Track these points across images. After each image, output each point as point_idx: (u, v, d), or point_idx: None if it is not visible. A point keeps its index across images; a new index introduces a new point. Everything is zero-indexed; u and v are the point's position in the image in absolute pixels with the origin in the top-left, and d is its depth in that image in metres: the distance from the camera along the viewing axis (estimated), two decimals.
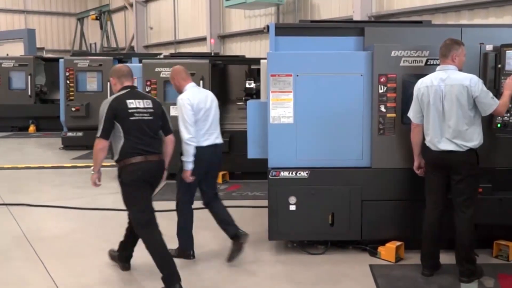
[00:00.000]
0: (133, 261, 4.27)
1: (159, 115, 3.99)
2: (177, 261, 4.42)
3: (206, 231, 5.23)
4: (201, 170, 4.35)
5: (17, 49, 17.22)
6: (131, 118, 3.80)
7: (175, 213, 4.57)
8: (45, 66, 13.57)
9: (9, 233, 5.26)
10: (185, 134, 4.24)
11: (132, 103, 3.83)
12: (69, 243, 4.95)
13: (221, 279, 4.12)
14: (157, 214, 5.76)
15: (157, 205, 6.09)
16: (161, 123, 4.02)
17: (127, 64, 4.07)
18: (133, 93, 3.95)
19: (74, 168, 8.58)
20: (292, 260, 4.46)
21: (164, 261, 3.79)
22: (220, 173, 7.55)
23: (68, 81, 10.43)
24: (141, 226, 3.88)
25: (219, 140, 4.49)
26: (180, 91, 4.47)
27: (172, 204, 4.58)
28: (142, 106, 3.87)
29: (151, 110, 3.92)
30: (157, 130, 3.98)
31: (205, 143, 4.34)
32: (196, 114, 4.29)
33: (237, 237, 4.44)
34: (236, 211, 6.02)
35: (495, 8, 8.31)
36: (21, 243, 4.95)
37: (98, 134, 3.75)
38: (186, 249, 4.48)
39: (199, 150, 4.28)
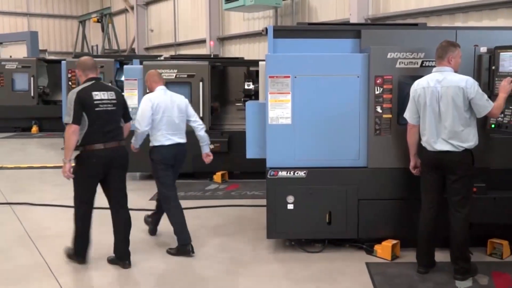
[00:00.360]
0: (134, 260, 4.34)
1: (121, 105, 4.33)
2: (177, 258, 4.50)
3: (206, 230, 5.31)
4: (169, 165, 4.70)
5: (20, 51, 17.30)
6: (96, 109, 4.11)
7: None
8: (47, 68, 13.64)
9: (12, 231, 5.33)
10: (137, 127, 4.63)
11: (97, 95, 4.14)
12: (70, 241, 5.00)
13: (220, 276, 4.17)
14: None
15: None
16: (123, 112, 4.38)
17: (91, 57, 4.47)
18: (98, 85, 4.24)
19: None
20: (290, 258, 4.51)
21: (80, 233, 4.28)
22: (220, 173, 7.63)
23: (70, 83, 10.49)
24: (80, 202, 4.23)
25: (183, 140, 4.78)
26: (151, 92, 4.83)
27: None
28: (106, 97, 4.20)
29: (114, 101, 4.25)
30: (119, 119, 4.33)
31: (167, 142, 4.66)
32: (154, 114, 4.61)
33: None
34: (235, 210, 6.11)
35: (488, 11, 8.32)
36: (24, 241, 5.02)
37: (70, 121, 4.01)
38: (185, 244, 4.53)
39: (163, 149, 4.65)
